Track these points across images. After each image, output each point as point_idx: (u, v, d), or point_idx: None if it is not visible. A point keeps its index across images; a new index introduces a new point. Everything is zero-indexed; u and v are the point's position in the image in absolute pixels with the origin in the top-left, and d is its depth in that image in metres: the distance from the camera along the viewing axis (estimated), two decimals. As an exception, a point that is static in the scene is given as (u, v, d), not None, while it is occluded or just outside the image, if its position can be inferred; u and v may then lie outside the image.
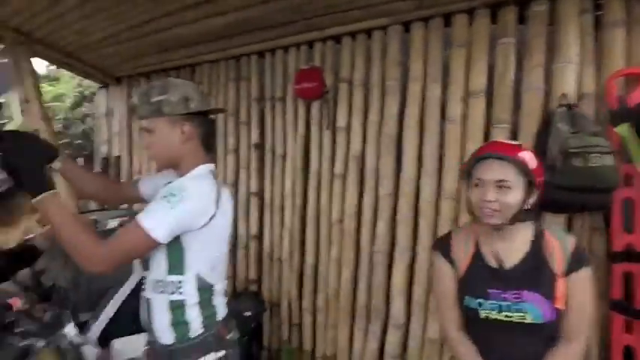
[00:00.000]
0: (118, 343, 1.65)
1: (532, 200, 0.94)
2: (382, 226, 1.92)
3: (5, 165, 0.86)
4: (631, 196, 1.31)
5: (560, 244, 0.95)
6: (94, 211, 2.66)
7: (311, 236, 2.18)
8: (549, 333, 0.95)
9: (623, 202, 1.33)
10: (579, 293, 0.93)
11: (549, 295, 0.91)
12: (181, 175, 1.03)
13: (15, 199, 2.60)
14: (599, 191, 1.25)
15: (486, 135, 1.64)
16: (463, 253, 1.04)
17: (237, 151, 2.45)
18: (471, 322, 1.03)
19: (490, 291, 0.96)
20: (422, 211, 1.78)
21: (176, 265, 0.98)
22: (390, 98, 1.87)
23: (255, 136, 2.39)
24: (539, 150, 1.39)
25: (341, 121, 2.03)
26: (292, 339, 2.31)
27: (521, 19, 1.60)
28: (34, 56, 2.47)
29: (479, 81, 1.64)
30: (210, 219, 0.96)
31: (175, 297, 0.99)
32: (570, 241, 0.96)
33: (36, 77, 2.41)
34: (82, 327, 1.66)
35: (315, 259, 2.19)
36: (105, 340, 1.67)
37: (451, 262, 1.06)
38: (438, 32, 1.76)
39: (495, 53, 1.61)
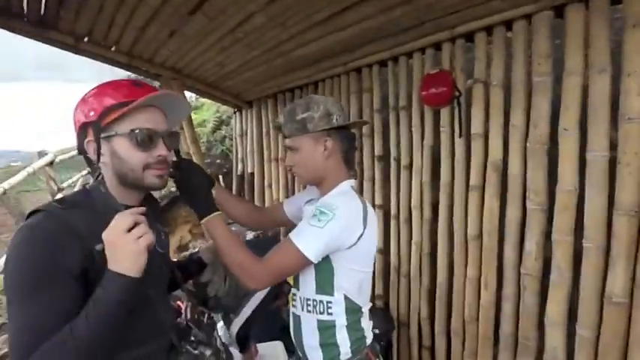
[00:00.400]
0: (261, 348, 1.89)
1: None
2: (531, 245, 1.73)
3: (181, 188, 1.00)
4: None
5: None
6: (231, 223, 3.12)
7: (443, 252, 2.12)
8: None
9: None
10: None
11: None
12: (324, 191, 1.11)
13: (172, 212, 3.25)
14: None
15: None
16: None
17: (360, 163, 2.56)
18: None
19: None
20: (587, 229, 1.54)
21: (325, 284, 1.04)
22: (539, 97, 1.69)
23: (378, 148, 2.45)
24: None
25: (476, 127, 1.92)
26: (424, 362, 2.27)
27: None
28: (185, 89, 3.07)
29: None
30: (359, 238, 1.01)
31: (324, 317, 1.05)
32: None
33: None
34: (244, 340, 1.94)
35: (448, 277, 2.11)
36: (244, 339, 1.93)
37: None
38: (604, 12, 1.51)
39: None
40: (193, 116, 4.92)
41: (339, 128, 1.10)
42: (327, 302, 1.04)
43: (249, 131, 3.55)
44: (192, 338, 0.91)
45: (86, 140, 0.78)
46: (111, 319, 0.65)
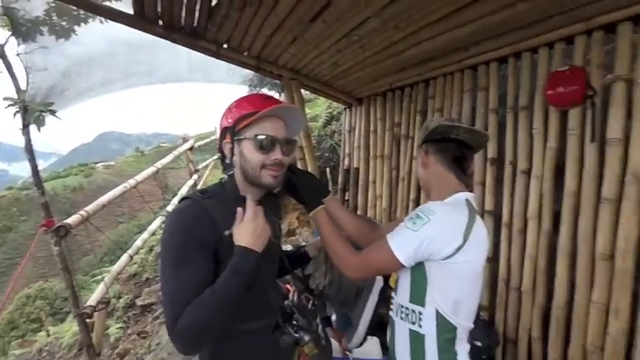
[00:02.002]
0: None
1: None
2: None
3: (291, 191, 1.16)
4: None
5: None
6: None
7: (563, 270, 1.96)
8: None
9: None
10: None
11: None
12: (435, 199, 1.14)
13: (284, 198, 3.65)
14: None
15: None
16: None
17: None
18: None
19: None
20: None
21: (418, 294, 1.05)
22: None
23: (492, 150, 2.36)
24: None
25: (614, 132, 1.72)
26: (532, 384, 2.13)
27: None
28: (302, 87, 3.39)
29: None
30: (456, 251, 0.97)
31: (415, 328, 1.06)
32: None
33: (303, 104, 3.32)
34: (328, 320, 2.11)
35: (567, 298, 1.94)
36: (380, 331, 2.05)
37: None
38: None
39: None
40: (307, 111, 5.37)
41: (438, 139, 1.14)
42: (419, 313, 1.05)
43: (357, 128, 3.73)
44: (295, 322, 1.06)
45: (224, 141, 1.01)
46: (241, 286, 0.87)
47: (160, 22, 2.51)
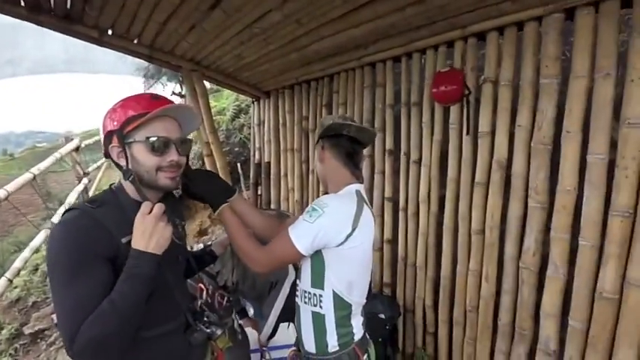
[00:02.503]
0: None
1: None
2: (531, 242, 1.85)
3: (191, 193, 1.12)
4: None
5: None
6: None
7: (448, 245, 2.26)
8: None
9: None
10: None
11: None
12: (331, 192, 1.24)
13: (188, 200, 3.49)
14: None
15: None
16: None
17: (371, 156, 2.69)
18: None
19: None
20: (583, 230, 1.65)
21: (317, 279, 1.15)
22: (545, 99, 1.77)
23: (389, 142, 2.57)
24: None
25: (484, 126, 2.02)
26: (427, 346, 2.44)
27: None
28: (204, 79, 3.24)
29: (672, 73, 1.41)
30: (347, 238, 1.09)
31: (317, 310, 1.16)
32: None
33: (207, 98, 3.16)
34: (242, 312, 2.14)
35: (451, 269, 2.25)
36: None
37: None
38: (613, 16, 1.57)
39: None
40: (213, 104, 5.12)
41: (332, 135, 1.22)
42: (319, 295, 1.15)
43: (266, 121, 3.71)
44: (205, 319, 1.04)
45: (110, 146, 0.93)
46: (140, 290, 0.82)
47: (22, 2, 2.14)
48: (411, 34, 2.24)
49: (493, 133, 1.99)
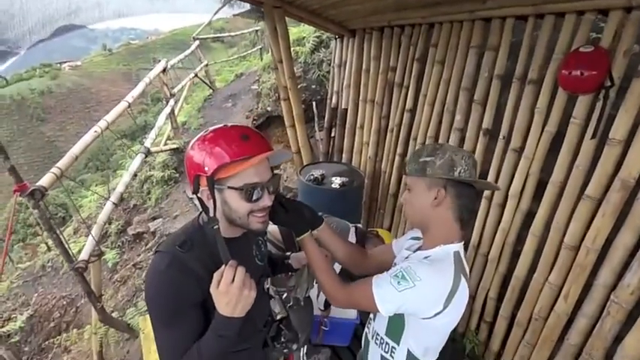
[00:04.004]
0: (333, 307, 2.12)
1: None
2: (633, 279, 1.57)
3: (276, 222, 1.08)
4: None
5: None
6: (320, 162, 3.25)
7: (530, 250, 2.04)
8: None
9: None
10: None
11: None
12: (427, 242, 1.08)
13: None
14: None
15: None
16: None
17: (462, 131, 2.36)
18: None
19: None
20: None
21: (394, 332, 1.08)
22: None
23: (487, 120, 2.21)
24: None
25: (618, 132, 1.60)
26: (481, 332, 2.41)
27: None
28: (286, 16, 2.92)
29: None
30: (436, 315, 0.97)
31: (387, 356, 1.11)
32: None
33: (288, 40, 2.90)
34: None
35: (527, 274, 2.07)
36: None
37: None
38: None
39: None
40: (292, 30, 4.76)
41: (459, 182, 1.01)
42: (392, 347, 1.09)
43: (348, 63, 3.37)
44: (283, 339, 1.08)
45: (201, 188, 0.87)
46: (226, 346, 0.85)
47: None
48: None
49: (628, 143, 1.58)
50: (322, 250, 1.14)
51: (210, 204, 0.88)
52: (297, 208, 1.11)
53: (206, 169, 0.84)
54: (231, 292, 0.81)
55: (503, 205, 2.17)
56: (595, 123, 1.68)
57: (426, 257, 1.05)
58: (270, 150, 0.88)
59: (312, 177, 2.74)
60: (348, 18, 3.04)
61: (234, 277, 0.82)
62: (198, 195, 0.89)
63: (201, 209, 0.94)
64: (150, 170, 4.96)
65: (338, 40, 3.48)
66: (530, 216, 2.05)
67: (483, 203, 2.28)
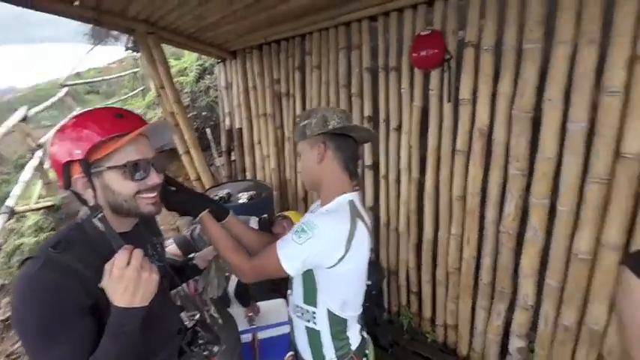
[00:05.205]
0: (263, 305, 2.09)
1: None
2: (510, 206, 1.91)
3: (169, 205, 1.04)
4: None
5: None
6: (226, 182, 3.21)
7: (429, 211, 2.30)
8: None
9: None
10: None
11: None
12: (323, 200, 1.12)
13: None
14: None
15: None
16: None
17: (350, 123, 2.60)
18: None
19: None
20: (561, 194, 1.71)
21: (310, 296, 1.09)
22: (528, 65, 1.73)
23: (367, 108, 2.49)
24: None
25: (465, 92, 1.97)
26: (412, 305, 2.58)
27: None
28: (162, 42, 2.92)
29: (654, 41, 1.39)
30: (339, 260, 1.01)
31: (311, 325, 1.12)
32: None
33: (167, 64, 2.88)
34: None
35: (433, 234, 2.32)
36: (244, 295, 2.10)
37: None
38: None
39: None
40: (172, 63, 4.71)
41: (337, 134, 1.09)
42: (313, 312, 1.10)
43: (234, 84, 3.47)
44: (200, 341, 1.00)
45: (74, 177, 0.79)
46: (127, 345, 0.74)
47: None
48: (389, -8, 2.08)
49: (474, 100, 1.96)
50: (222, 230, 1.12)
51: (88, 193, 0.80)
52: (188, 188, 1.10)
53: (77, 152, 0.77)
54: (127, 276, 0.72)
55: (398, 180, 2.43)
56: (447, 89, 2.03)
57: (324, 211, 1.09)
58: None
59: (217, 197, 2.69)
60: (227, 39, 3.17)
61: (129, 261, 0.73)
62: (71, 188, 0.80)
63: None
64: (19, 238, 4.18)
65: (221, 63, 3.57)
66: (422, 184, 2.33)
67: (382, 182, 2.52)
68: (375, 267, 2.57)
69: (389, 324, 2.68)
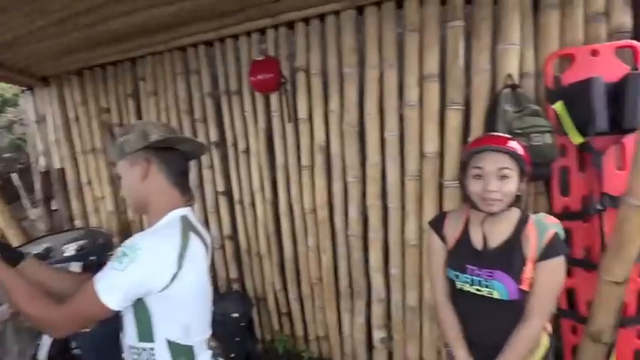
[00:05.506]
0: None
1: (523, 186, 1.12)
2: (353, 211, 2.13)
3: None
4: (566, 164, 1.61)
5: (537, 233, 1.11)
6: (44, 236, 2.61)
7: (286, 228, 2.36)
8: (516, 311, 1.12)
9: (560, 170, 1.62)
10: (544, 279, 1.08)
11: (517, 276, 1.08)
12: (151, 221, 1.00)
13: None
14: (540, 165, 1.51)
15: (442, 116, 1.84)
16: (453, 231, 1.24)
17: (197, 150, 2.49)
18: (453, 292, 1.24)
19: (467, 266, 1.16)
20: (389, 193, 2.00)
21: (145, 331, 0.94)
22: (349, 86, 2.01)
23: (214, 134, 2.44)
24: (489, 129, 1.63)
25: (302, 112, 2.15)
26: (284, 328, 2.55)
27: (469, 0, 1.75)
28: None
29: (432, 64, 1.81)
30: (172, 279, 0.90)
31: None
32: (549, 232, 1.10)
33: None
34: None
35: (293, 250, 2.38)
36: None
37: (442, 238, 1.26)
38: (391, 16, 1.87)
39: (446, 36, 1.78)
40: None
41: (160, 148, 1.00)
42: (150, 349, 0.95)
43: (49, 116, 2.91)
44: None
45: None
46: None
47: None
48: (223, 20, 2.13)
49: (311, 118, 2.15)
50: (20, 278, 0.90)
51: None
52: None
53: None
54: None
55: (253, 203, 2.43)
56: (286, 110, 2.18)
57: (150, 230, 0.97)
58: None
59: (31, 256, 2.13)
60: (34, 63, 2.65)
61: None
62: None
63: None
64: None
65: (28, 92, 2.96)
66: (276, 203, 2.38)
67: (238, 208, 2.48)
68: (241, 298, 2.47)
69: (264, 354, 2.57)
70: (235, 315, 2.28)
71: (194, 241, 0.98)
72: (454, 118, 1.79)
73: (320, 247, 2.26)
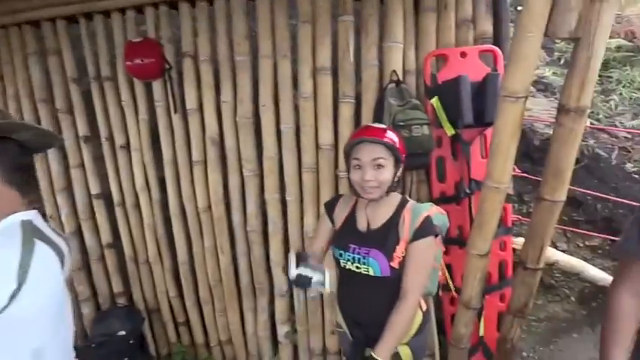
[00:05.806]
0: None
1: (399, 173, 1.24)
2: (252, 206, 2.05)
3: None
4: (442, 154, 1.80)
5: (412, 216, 1.22)
6: None
7: (179, 230, 2.17)
8: (388, 287, 1.22)
9: (437, 160, 1.80)
10: (415, 259, 1.20)
11: (389, 254, 1.20)
12: None
13: None
14: (420, 155, 1.66)
15: (335, 108, 1.88)
16: (342, 214, 1.36)
17: (61, 147, 2.12)
18: (340, 273, 1.34)
19: (350, 245, 1.26)
20: (287, 186, 1.98)
21: None
22: (242, 74, 1.91)
23: (82, 127, 2.10)
24: (377, 121, 1.72)
25: (191, 103, 1.98)
26: (182, 338, 2.36)
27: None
28: None
29: (325, 57, 1.82)
30: (11, 298, 0.74)
31: None
32: (421, 215, 1.21)
33: None
34: None
35: (188, 253, 2.21)
36: None
37: (332, 219, 1.38)
38: (284, 4, 1.82)
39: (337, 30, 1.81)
40: None
41: None
42: None
43: None
44: None
45: None
46: None
47: None
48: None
49: (201, 109, 1.99)
50: None
51: None
52: None
53: None
54: None
55: (138, 205, 2.17)
56: (172, 99, 1.98)
57: None
58: None
59: None
60: None
61: None
62: None
63: None
64: None
65: None
66: (165, 203, 2.17)
67: (119, 211, 2.19)
68: (128, 313, 2.21)
69: (159, 369, 2.35)
70: (122, 333, 2.02)
71: (41, 251, 0.81)
72: (347, 111, 1.84)
73: (218, 247, 2.14)
